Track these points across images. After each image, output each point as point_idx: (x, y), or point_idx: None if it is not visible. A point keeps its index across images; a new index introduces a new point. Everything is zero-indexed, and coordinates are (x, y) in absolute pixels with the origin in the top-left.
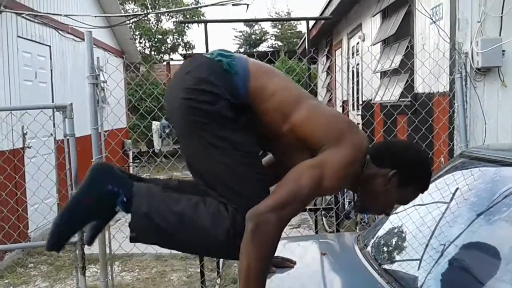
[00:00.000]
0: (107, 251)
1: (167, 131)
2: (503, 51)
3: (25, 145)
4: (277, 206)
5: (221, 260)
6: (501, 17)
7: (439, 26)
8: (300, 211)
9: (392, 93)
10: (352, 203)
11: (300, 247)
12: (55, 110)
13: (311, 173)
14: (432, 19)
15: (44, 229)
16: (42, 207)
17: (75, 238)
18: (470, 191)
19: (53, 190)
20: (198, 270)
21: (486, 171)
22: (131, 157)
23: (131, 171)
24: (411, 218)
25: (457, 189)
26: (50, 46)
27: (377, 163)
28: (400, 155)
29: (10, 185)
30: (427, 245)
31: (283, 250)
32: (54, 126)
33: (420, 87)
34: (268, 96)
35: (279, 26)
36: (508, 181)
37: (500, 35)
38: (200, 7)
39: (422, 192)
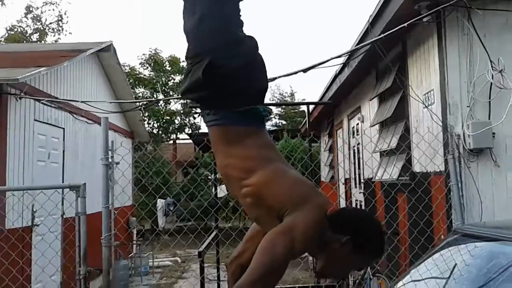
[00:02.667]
0: None
1: (172, 208)
2: (493, 133)
3: (34, 224)
4: (257, 280)
5: None
6: (489, 102)
7: (431, 110)
8: (280, 278)
9: (391, 173)
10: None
11: None
12: (69, 189)
13: (283, 240)
14: (424, 104)
15: None
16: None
17: None
18: (463, 267)
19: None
20: None
21: (477, 248)
22: (135, 235)
23: (134, 250)
24: None
25: (453, 266)
26: (64, 129)
27: (333, 229)
28: (354, 223)
29: (14, 271)
30: None
31: None
32: (62, 205)
33: (417, 167)
34: (249, 144)
35: (283, 106)
36: (497, 256)
37: (489, 118)
38: None
39: (375, 260)
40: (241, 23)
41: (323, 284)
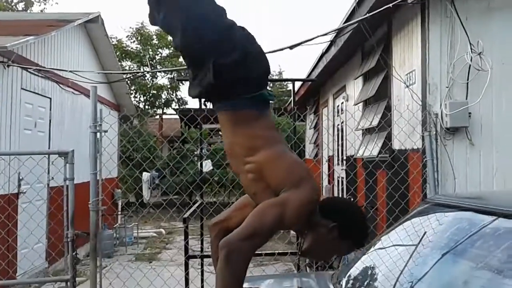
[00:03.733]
0: None
1: (156, 181)
2: (469, 113)
3: (20, 191)
4: (245, 237)
5: None
6: (467, 83)
7: (412, 90)
8: (265, 242)
9: (371, 150)
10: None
11: (279, 282)
12: (57, 156)
13: (274, 211)
14: (406, 83)
15: (31, 273)
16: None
17: (67, 276)
18: (432, 234)
19: (43, 237)
20: None
21: (447, 216)
22: (120, 206)
23: (119, 221)
24: (380, 258)
25: (423, 232)
26: (50, 98)
27: (322, 214)
28: (342, 212)
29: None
30: (394, 280)
31: (262, 285)
32: (48, 173)
33: (396, 145)
34: (255, 124)
35: (270, 85)
36: (465, 224)
37: (466, 98)
38: None
39: (358, 248)
40: (222, 11)
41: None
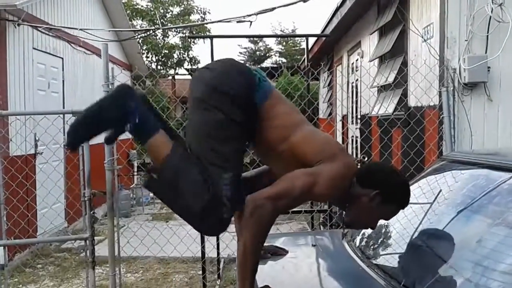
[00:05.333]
0: (116, 252)
1: None
2: (489, 67)
3: (37, 152)
4: (272, 197)
5: (221, 262)
6: (487, 36)
7: (430, 44)
8: (292, 207)
9: (387, 107)
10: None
11: (293, 240)
12: (71, 115)
13: (306, 178)
14: (423, 37)
15: (51, 233)
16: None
17: (86, 234)
18: (448, 191)
19: (61, 197)
20: (200, 272)
21: (463, 173)
22: (135, 167)
23: (135, 181)
24: (394, 216)
25: (438, 190)
26: (62, 58)
27: (362, 184)
28: (381, 178)
29: (22, 192)
30: (408, 238)
31: (277, 242)
32: (64, 133)
33: (412, 101)
34: (274, 116)
35: (283, 43)
36: (480, 180)
37: (486, 52)
38: (207, 23)
39: (403, 208)
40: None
41: (315, 209)
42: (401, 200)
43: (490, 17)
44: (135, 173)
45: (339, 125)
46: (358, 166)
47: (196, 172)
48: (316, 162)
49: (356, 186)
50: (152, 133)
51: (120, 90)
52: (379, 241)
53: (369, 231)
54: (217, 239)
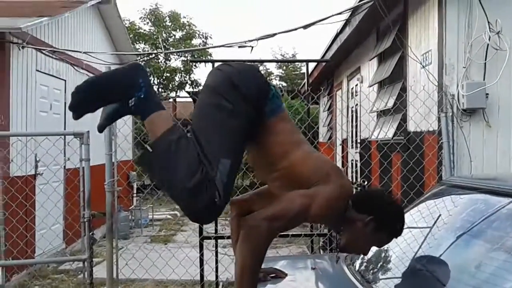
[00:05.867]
0: (114, 274)
1: None
2: (487, 94)
3: (37, 172)
4: (269, 217)
5: (220, 286)
6: (485, 63)
7: (428, 70)
8: (288, 228)
9: (386, 132)
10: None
11: (292, 263)
12: (73, 137)
13: (302, 200)
14: (422, 64)
15: (49, 254)
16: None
17: (84, 255)
18: (448, 216)
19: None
20: None
21: (462, 198)
22: (135, 188)
23: (134, 203)
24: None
25: (438, 214)
26: (65, 80)
27: (357, 209)
28: (377, 204)
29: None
30: (408, 262)
31: (276, 265)
32: (65, 155)
33: (411, 126)
34: (279, 131)
35: (284, 68)
36: (480, 205)
37: (484, 79)
38: (209, 47)
39: (396, 237)
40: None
41: (315, 233)
42: (395, 228)
43: (488, 44)
44: (135, 195)
45: (339, 149)
46: (358, 189)
47: (192, 150)
48: (312, 182)
49: (351, 210)
50: (156, 110)
51: (133, 65)
52: (379, 265)
53: (369, 254)
54: (216, 262)
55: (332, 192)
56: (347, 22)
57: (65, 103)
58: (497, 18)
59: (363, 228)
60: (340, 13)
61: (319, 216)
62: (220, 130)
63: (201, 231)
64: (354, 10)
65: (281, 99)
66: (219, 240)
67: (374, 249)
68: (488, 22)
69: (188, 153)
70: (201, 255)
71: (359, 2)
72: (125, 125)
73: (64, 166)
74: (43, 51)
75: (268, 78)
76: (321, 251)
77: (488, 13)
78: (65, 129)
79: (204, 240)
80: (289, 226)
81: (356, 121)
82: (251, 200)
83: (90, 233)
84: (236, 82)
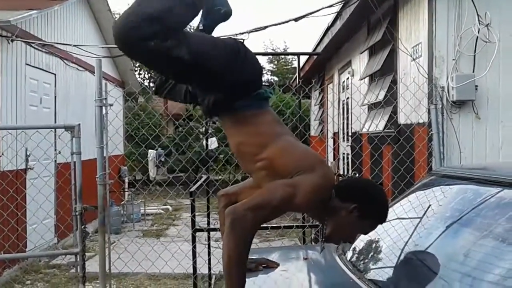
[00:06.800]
0: (107, 267)
1: (162, 159)
2: (476, 86)
3: (28, 166)
4: (252, 207)
5: (213, 279)
6: (474, 55)
7: (419, 63)
8: (272, 218)
9: (377, 124)
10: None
11: (284, 253)
12: (64, 130)
13: (286, 189)
14: (412, 56)
15: (41, 248)
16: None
17: (76, 249)
18: (438, 205)
19: (51, 212)
20: None
21: (452, 187)
22: (126, 183)
23: (126, 197)
24: (385, 230)
25: (428, 204)
26: (55, 74)
27: (341, 197)
28: (360, 192)
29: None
30: (399, 251)
31: (268, 256)
32: (55, 148)
33: (401, 119)
34: (260, 122)
35: (275, 62)
36: (469, 194)
37: (473, 71)
38: None
39: (380, 224)
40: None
41: (307, 224)
42: (379, 215)
43: (477, 37)
44: (126, 189)
45: (330, 142)
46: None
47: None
48: (295, 173)
49: (335, 199)
50: None
51: None
52: (370, 255)
53: (360, 244)
54: (209, 255)
55: (316, 181)
56: (338, 15)
57: (55, 96)
58: (486, 11)
59: (348, 217)
60: (331, 6)
61: (303, 205)
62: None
63: (193, 223)
64: (345, 3)
65: (267, 103)
66: (211, 233)
67: (365, 239)
68: (478, 14)
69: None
70: (194, 247)
71: None
72: (116, 118)
73: (55, 160)
74: (33, 45)
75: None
76: (313, 243)
77: (477, 6)
78: (55, 123)
79: (197, 233)
80: (272, 215)
81: (347, 114)
82: (238, 192)
83: (82, 227)
84: (242, 55)
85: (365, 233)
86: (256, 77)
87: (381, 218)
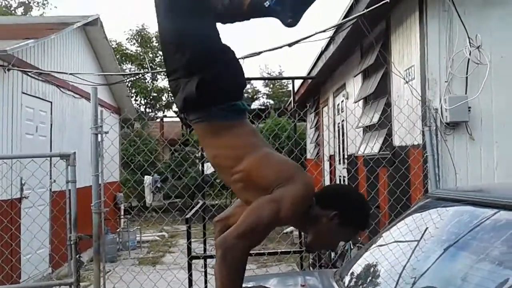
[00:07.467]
0: None
1: (158, 185)
2: (469, 107)
3: (23, 196)
4: (242, 235)
5: None
6: (466, 77)
7: (412, 85)
8: (263, 239)
9: (373, 147)
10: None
11: (282, 280)
12: (59, 158)
13: (271, 206)
14: (405, 79)
15: (35, 278)
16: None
17: (71, 279)
18: (434, 228)
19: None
20: None
21: (448, 210)
22: (122, 210)
23: (121, 225)
24: (382, 254)
25: (425, 227)
26: (51, 102)
27: (321, 205)
28: (340, 199)
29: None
30: (396, 276)
31: (266, 283)
32: (51, 177)
33: (396, 141)
34: (237, 134)
35: (271, 85)
36: (465, 217)
37: (466, 93)
38: None
39: (360, 231)
40: (219, 33)
41: (304, 249)
42: (360, 221)
43: (469, 59)
44: (122, 217)
45: (326, 165)
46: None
47: None
48: (276, 185)
49: (315, 207)
50: None
51: None
52: (368, 279)
53: (358, 269)
54: (205, 282)
55: (298, 191)
56: (331, 40)
57: (51, 124)
58: (477, 33)
59: (328, 224)
60: (323, 31)
61: (290, 218)
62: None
63: (189, 251)
64: (337, 28)
65: (244, 115)
66: (208, 260)
67: (363, 264)
68: (468, 37)
69: None
70: (190, 275)
71: (342, 19)
72: (111, 145)
73: (50, 189)
74: (29, 73)
75: (255, 96)
76: (311, 268)
77: (468, 29)
78: (51, 151)
79: (193, 260)
80: (263, 236)
81: (343, 136)
82: (231, 215)
83: (77, 256)
84: (232, 56)
85: (347, 241)
86: (237, 86)
87: (362, 224)
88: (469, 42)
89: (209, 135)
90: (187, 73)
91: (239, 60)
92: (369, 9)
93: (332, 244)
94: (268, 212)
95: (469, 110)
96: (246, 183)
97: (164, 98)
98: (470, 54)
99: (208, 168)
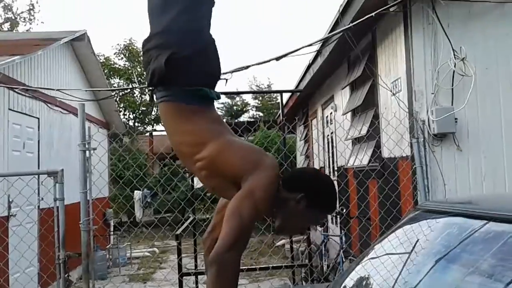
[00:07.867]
0: None
1: (148, 200)
2: (456, 118)
3: (10, 214)
4: (232, 245)
5: None
6: (452, 89)
7: (399, 97)
8: (249, 237)
9: (362, 159)
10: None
11: None
12: (46, 175)
13: (247, 203)
14: (392, 91)
15: None
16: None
17: None
18: (424, 241)
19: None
20: None
21: (438, 222)
22: (112, 226)
23: (111, 241)
24: (374, 267)
25: (415, 240)
26: (38, 118)
27: (288, 188)
28: (307, 181)
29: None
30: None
31: None
32: (38, 194)
33: (385, 153)
34: (196, 120)
35: (260, 98)
36: (455, 229)
37: (452, 104)
38: None
39: (327, 214)
40: (210, 23)
41: (295, 264)
42: (327, 203)
43: (454, 71)
44: (112, 233)
45: None
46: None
47: None
48: (241, 175)
49: (282, 190)
50: None
51: None
52: None
53: (350, 283)
54: None
55: (267, 179)
56: (318, 53)
57: (38, 141)
58: (461, 45)
59: (296, 206)
60: (310, 45)
61: (267, 207)
62: None
63: (180, 268)
64: (324, 41)
65: (211, 103)
66: (199, 276)
67: (354, 277)
68: (453, 49)
69: None
70: None
71: (328, 33)
72: (99, 162)
73: (38, 206)
74: (16, 90)
75: (244, 109)
76: (303, 282)
77: (452, 41)
78: (38, 167)
79: (184, 277)
80: (249, 235)
81: (332, 149)
82: (215, 226)
83: (65, 275)
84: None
85: (315, 224)
86: (209, 72)
87: (330, 207)
88: (454, 54)
89: (173, 118)
90: (164, 41)
91: (226, 74)
92: (354, 23)
93: (300, 227)
94: (247, 210)
95: (456, 121)
96: (211, 170)
97: (153, 113)
98: (455, 66)
99: (198, 182)
